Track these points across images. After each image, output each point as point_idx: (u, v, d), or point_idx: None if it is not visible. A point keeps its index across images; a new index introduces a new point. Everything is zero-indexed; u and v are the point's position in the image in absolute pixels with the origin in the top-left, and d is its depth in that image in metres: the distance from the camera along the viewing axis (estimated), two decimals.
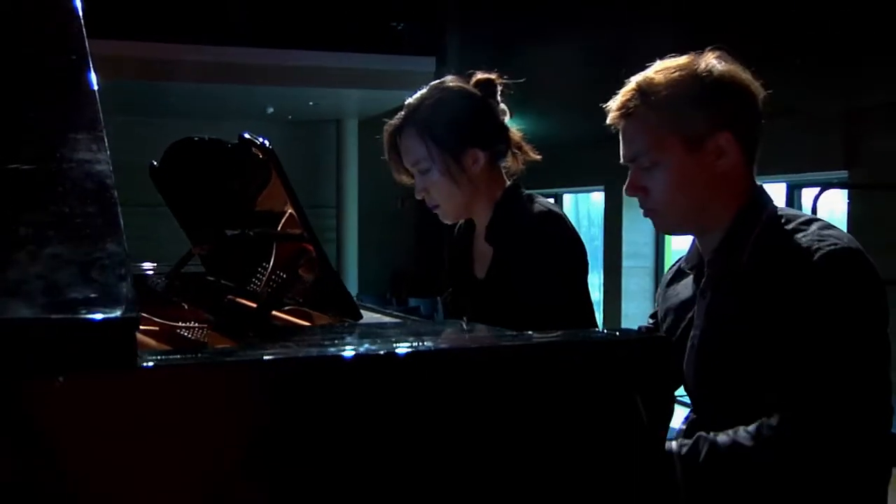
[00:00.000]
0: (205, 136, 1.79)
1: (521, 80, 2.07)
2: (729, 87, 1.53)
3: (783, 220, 1.52)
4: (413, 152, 1.98)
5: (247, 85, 9.92)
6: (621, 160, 1.61)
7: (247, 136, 1.49)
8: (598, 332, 1.29)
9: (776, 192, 7.65)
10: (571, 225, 1.96)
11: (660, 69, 1.55)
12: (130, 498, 0.92)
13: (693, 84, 1.52)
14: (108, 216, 0.94)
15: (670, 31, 7.17)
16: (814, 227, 1.47)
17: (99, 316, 0.83)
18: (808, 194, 6.44)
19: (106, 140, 1.06)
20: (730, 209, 1.55)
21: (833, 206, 6.88)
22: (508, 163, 2.04)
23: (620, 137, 1.60)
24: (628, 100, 1.56)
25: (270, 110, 11.47)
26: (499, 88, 2.04)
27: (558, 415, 1.13)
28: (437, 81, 2.06)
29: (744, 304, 1.48)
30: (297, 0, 9.96)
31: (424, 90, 2.04)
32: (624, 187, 1.60)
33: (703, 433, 1.43)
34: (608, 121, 1.61)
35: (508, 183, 2.03)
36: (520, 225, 1.95)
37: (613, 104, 1.59)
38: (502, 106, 2.04)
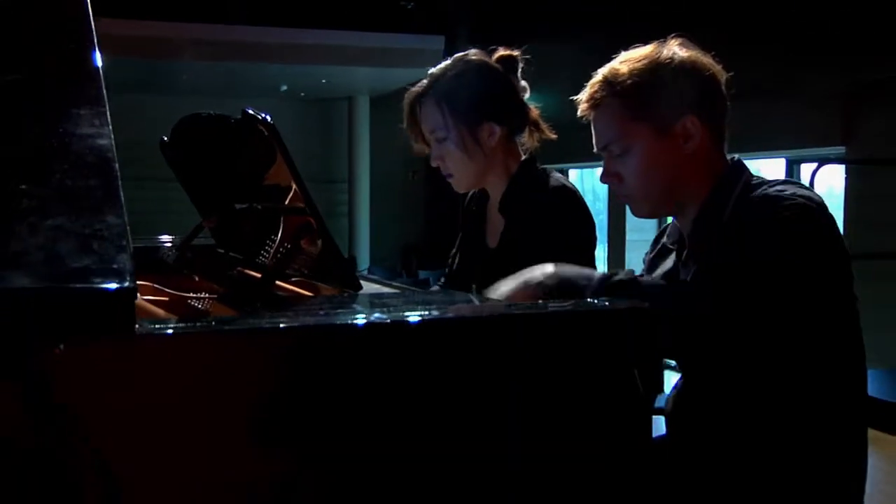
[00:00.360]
0: (211, 112, 1.78)
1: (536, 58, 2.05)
2: (691, 72, 1.55)
3: (753, 186, 1.52)
4: (431, 121, 1.99)
5: (261, 63, 9.89)
6: (594, 149, 1.62)
7: (250, 111, 1.48)
8: (591, 302, 1.28)
9: (776, 167, 7.61)
10: (584, 201, 1.95)
11: (624, 59, 1.57)
12: (132, 463, 0.92)
13: (657, 72, 1.54)
14: (109, 189, 0.94)
15: (675, 8, 7.11)
16: (777, 186, 1.48)
17: (98, 286, 0.83)
18: (806, 170, 6.41)
19: (109, 116, 1.06)
20: (705, 186, 1.56)
21: (832, 182, 6.85)
22: (525, 138, 2.03)
23: (592, 128, 1.62)
24: (596, 91, 1.57)
25: (284, 88, 11.43)
26: (520, 66, 2.03)
27: (556, 380, 1.13)
28: (461, 54, 2.05)
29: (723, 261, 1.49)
30: None
31: (448, 62, 2.03)
32: (598, 175, 1.61)
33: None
34: (579, 113, 1.62)
35: (524, 157, 2.03)
36: (533, 199, 1.95)
37: (583, 96, 1.61)
38: (523, 83, 2.03)
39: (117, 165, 0.99)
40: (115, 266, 0.85)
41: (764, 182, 1.52)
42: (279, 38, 9.52)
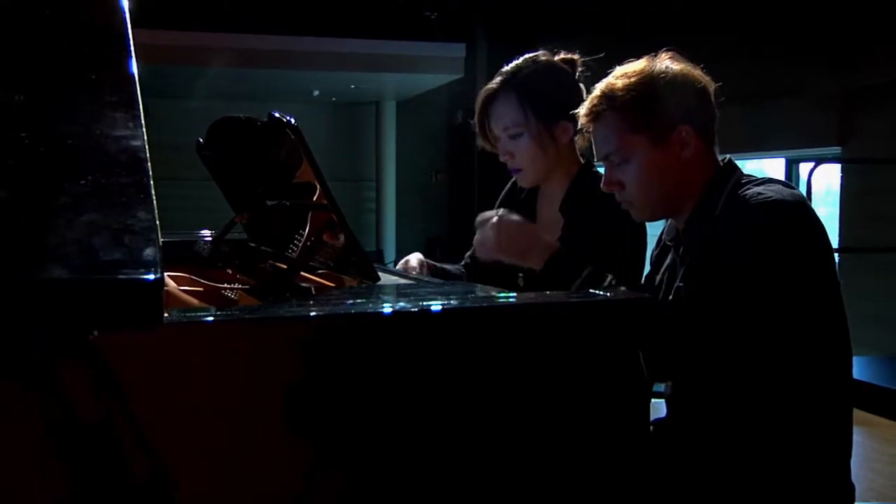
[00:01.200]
0: (241, 115, 1.78)
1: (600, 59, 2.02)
2: (683, 84, 1.55)
3: (741, 185, 1.52)
4: (508, 116, 1.92)
5: (294, 70, 9.93)
6: (595, 160, 1.62)
7: (276, 114, 1.48)
8: (593, 293, 1.27)
9: (775, 166, 7.54)
10: None
11: (620, 74, 1.57)
12: (167, 441, 0.93)
13: (652, 85, 1.54)
14: (141, 186, 0.94)
15: (680, 10, 7.06)
16: (761, 186, 1.47)
17: (128, 277, 0.83)
18: (805, 169, 6.35)
19: (143, 118, 1.06)
20: (697, 187, 1.56)
21: (829, 180, 6.79)
22: (577, 139, 2.00)
23: (592, 140, 1.62)
24: (595, 105, 1.58)
25: (316, 93, 11.46)
26: (579, 69, 1.99)
27: (562, 366, 1.13)
28: (532, 54, 1.99)
29: (709, 266, 1.48)
30: None
31: (519, 60, 1.97)
32: (601, 183, 1.61)
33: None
34: (579, 125, 1.62)
35: (583, 160, 1.99)
36: (593, 203, 1.86)
37: (582, 110, 1.61)
38: (581, 85, 1.97)
39: (149, 165, 0.99)
40: (144, 259, 0.85)
41: (750, 181, 1.51)
42: (311, 46, 9.56)
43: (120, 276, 0.82)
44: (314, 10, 9.63)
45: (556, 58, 1.99)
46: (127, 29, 1.16)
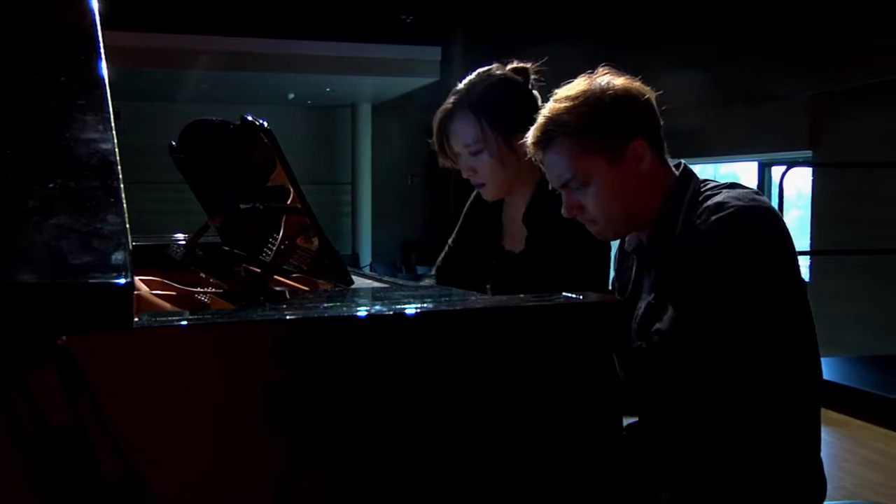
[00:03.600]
0: (214, 118, 1.77)
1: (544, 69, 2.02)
2: (628, 98, 1.53)
3: (701, 192, 1.52)
4: (467, 134, 1.92)
5: (270, 73, 9.90)
6: (551, 187, 1.60)
7: (249, 118, 1.47)
8: (568, 296, 1.28)
9: (749, 170, 7.61)
10: None
11: (563, 97, 1.54)
12: (138, 443, 0.92)
13: (599, 104, 1.52)
14: (110, 190, 0.93)
15: (658, 23, 7.11)
16: (720, 195, 1.46)
17: (97, 281, 0.82)
18: (777, 172, 6.41)
19: (112, 121, 1.05)
20: (657, 198, 1.55)
21: (800, 183, 6.86)
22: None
23: (545, 166, 1.59)
24: (543, 133, 1.55)
25: (291, 96, 11.42)
26: (532, 77, 1.99)
27: (537, 367, 1.13)
28: (484, 69, 1.99)
29: (671, 273, 1.49)
30: None
31: (472, 76, 1.97)
32: (562, 210, 1.60)
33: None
34: (528, 155, 1.60)
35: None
36: (556, 213, 1.89)
37: (530, 139, 1.58)
38: (535, 93, 1.98)
39: (119, 168, 0.98)
40: (114, 262, 0.84)
41: (709, 188, 1.51)
42: (286, 49, 9.53)
43: (89, 280, 0.82)
44: (290, 13, 9.61)
45: (509, 68, 1.98)
46: (97, 31, 1.15)
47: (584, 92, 1.53)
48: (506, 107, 1.92)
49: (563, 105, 1.53)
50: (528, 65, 1.99)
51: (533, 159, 1.62)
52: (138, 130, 9.43)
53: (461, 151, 1.95)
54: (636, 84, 1.56)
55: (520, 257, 1.99)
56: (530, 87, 1.98)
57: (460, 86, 1.97)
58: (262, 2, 9.51)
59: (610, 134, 1.52)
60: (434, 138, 1.98)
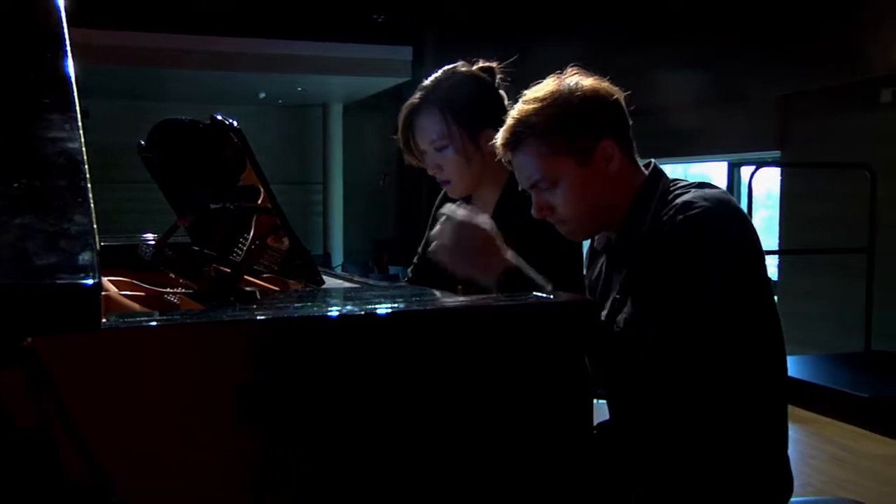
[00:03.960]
0: (184, 118, 1.76)
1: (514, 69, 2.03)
2: (597, 99, 1.54)
3: (669, 191, 1.52)
4: (432, 130, 1.92)
5: (241, 72, 9.84)
6: (520, 187, 1.60)
7: (219, 117, 1.46)
8: (539, 295, 1.28)
9: (718, 170, 7.68)
10: None
11: (532, 99, 1.54)
12: (101, 450, 0.91)
13: (568, 105, 1.52)
14: (77, 189, 0.92)
15: (625, 18, 7.15)
16: (688, 194, 1.47)
17: (64, 282, 0.81)
18: (746, 172, 6.46)
19: (79, 120, 1.04)
20: (626, 198, 1.56)
21: (770, 184, 6.93)
22: None
23: (514, 167, 1.59)
24: (512, 134, 1.55)
25: (262, 95, 11.36)
26: (498, 76, 2.00)
27: (507, 365, 1.13)
28: (450, 66, 1.99)
29: (640, 272, 1.49)
30: None
31: (438, 73, 1.97)
32: (532, 211, 1.60)
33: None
34: (498, 156, 1.61)
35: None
36: (524, 211, 1.90)
37: (500, 141, 1.58)
38: (501, 92, 1.99)
39: (87, 167, 0.97)
40: (80, 263, 0.83)
41: (678, 187, 1.52)
42: (257, 48, 9.48)
43: (56, 281, 0.81)
44: (260, 12, 9.56)
45: (475, 67, 1.99)
46: (63, 29, 1.14)
47: (553, 93, 1.53)
48: (471, 103, 1.92)
49: (532, 107, 1.53)
50: (495, 64, 2.00)
51: (502, 161, 1.62)
52: (109, 129, 9.34)
53: (427, 148, 1.95)
54: (605, 84, 1.57)
55: None
56: (496, 85, 1.98)
57: (426, 82, 1.97)
58: (233, 1, 9.45)
59: (578, 135, 1.52)
60: (399, 134, 1.98)
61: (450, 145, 1.91)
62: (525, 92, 1.58)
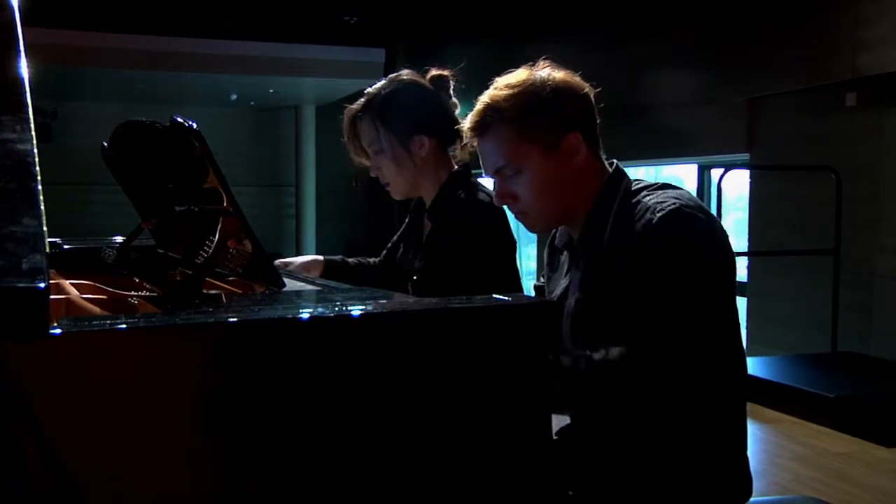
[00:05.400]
0: (145, 119, 1.74)
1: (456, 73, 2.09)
2: (568, 91, 1.55)
3: (634, 192, 1.53)
4: (367, 136, 2.04)
5: (211, 73, 9.78)
6: (484, 173, 1.61)
7: (178, 119, 1.45)
8: (502, 297, 1.28)
9: (688, 172, 7.73)
10: (502, 213, 1.95)
11: (503, 86, 1.55)
12: (65, 455, 0.90)
13: (538, 94, 1.53)
14: (27, 192, 0.90)
15: (593, 18, 7.18)
16: (655, 194, 1.48)
17: (10, 285, 0.80)
18: (716, 174, 6.52)
19: (32, 122, 1.02)
20: (590, 194, 1.56)
21: (739, 185, 6.98)
22: (457, 151, 2.06)
23: (479, 153, 1.60)
24: (481, 119, 1.56)
25: (234, 97, 11.30)
26: (451, 83, 2.07)
27: (471, 367, 1.13)
28: (395, 74, 2.09)
29: (607, 273, 1.49)
30: None
31: (384, 81, 2.07)
32: (489, 198, 1.60)
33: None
34: (465, 140, 1.62)
35: (456, 168, 2.05)
36: (453, 208, 1.98)
37: (468, 124, 1.59)
38: (453, 100, 2.07)
39: (37, 170, 0.96)
40: (29, 267, 0.82)
41: (642, 186, 1.53)
42: (229, 49, 9.43)
43: (2, 285, 0.79)
44: (230, 12, 9.50)
45: (428, 76, 2.07)
46: (16, 28, 1.12)
47: (525, 81, 1.54)
48: (404, 111, 2.01)
49: (503, 93, 1.54)
50: (447, 72, 2.06)
51: (469, 146, 1.64)
52: (74, 131, 9.25)
53: (369, 151, 2.06)
54: (576, 78, 1.58)
55: (422, 249, 2.08)
56: (447, 93, 2.06)
57: (370, 89, 2.07)
58: (204, 2, 9.39)
59: (547, 123, 1.53)
60: (345, 137, 2.09)
61: (382, 150, 2.02)
62: (496, 79, 1.59)
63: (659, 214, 1.41)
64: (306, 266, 2.18)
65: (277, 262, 2.16)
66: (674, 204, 1.42)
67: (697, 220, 1.43)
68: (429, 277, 1.97)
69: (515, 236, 2.04)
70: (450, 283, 1.84)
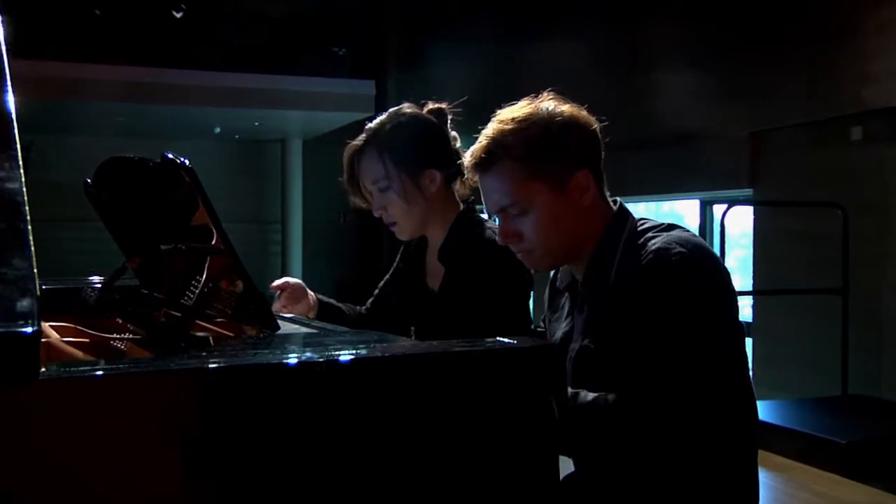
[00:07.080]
0: (133, 156, 1.75)
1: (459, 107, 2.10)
2: (577, 127, 1.53)
3: (640, 233, 1.52)
4: (373, 172, 1.99)
5: (195, 106, 9.80)
6: (487, 212, 1.60)
7: (170, 156, 1.46)
8: (501, 341, 1.28)
9: (690, 207, 7.77)
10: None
11: (507, 119, 1.53)
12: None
13: (547, 129, 1.51)
14: (16, 232, 0.91)
15: (594, 52, 7.25)
16: (661, 237, 1.48)
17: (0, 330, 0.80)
18: (718, 210, 6.55)
19: (20, 158, 1.03)
20: (596, 233, 1.55)
21: (742, 221, 7.01)
22: (458, 187, 2.05)
23: (482, 190, 1.58)
24: (487, 153, 1.53)
25: (218, 130, 11.33)
26: (449, 117, 2.06)
27: (472, 411, 1.13)
28: (395, 108, 2.08)
29: (611, 318, 1.49)
30: (244, 26, 9.90)
31: (384, 115, 2.05)
32: (497, 237, 1.59)
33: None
34: (466, 175, 1.61)
35: (462, 206, 2.05)
36: (470, 251, 1.96)
37: (470, 160, 1.56)
38: (453, 133, 2.06)
39: (27, 209, 0.96)
40: (18, 310, 0.82)
41: (647, 227, 1.53)
42: (212, 81, 9.46)
43: None
44: (215, 43, 9.57)
45: (425, 109, 2.06)
46: (3, 61, 1.13)
47: (531, 115, 1.52)
48: (412, 145, 1.99)
49: (509, 127, 1.52)
50: (444, 105, 2.05)
51: (469, 181, 1.64)
52: (57, 166, 9.24)
53: (372, 190, 2.02)
54: (583, 113, 1.56)
55: (437, 296, 2.02)
56: (447, 126, 2.06)
57: (371, 124, 2.05)
58: (186, 31, 9.45)
59: (556, 162, 1.51)
60: (345, 177, 2.05)
61: (390, 187, 1.98)
62: (499, 112, 1.57)
63: (662, 261, 1.42)
64: (294, 295, 2.13)
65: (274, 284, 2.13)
66: (676, 250, 1.42)
67: (700, 265, 1.44)
68: (461, 324, 1.90)
69: None
70: (479, 325, 1.82)
